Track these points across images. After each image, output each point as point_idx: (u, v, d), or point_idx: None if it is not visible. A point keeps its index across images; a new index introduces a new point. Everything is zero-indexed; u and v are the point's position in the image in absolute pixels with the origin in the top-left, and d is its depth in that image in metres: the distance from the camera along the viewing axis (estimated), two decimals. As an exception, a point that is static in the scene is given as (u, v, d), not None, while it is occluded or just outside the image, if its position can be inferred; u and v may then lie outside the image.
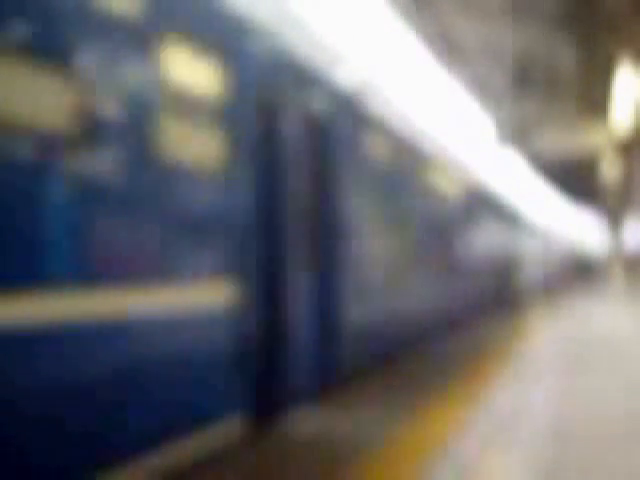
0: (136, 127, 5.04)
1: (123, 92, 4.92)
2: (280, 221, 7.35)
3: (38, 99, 4.12)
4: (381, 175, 10.96)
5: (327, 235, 8.75)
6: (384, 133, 11.32)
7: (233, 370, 6.16)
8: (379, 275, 10.78)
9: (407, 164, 12.56)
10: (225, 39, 6.31)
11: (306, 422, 7.19)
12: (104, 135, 4.70)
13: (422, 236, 13.44)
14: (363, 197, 10.07)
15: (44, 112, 4.17)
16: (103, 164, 4.70)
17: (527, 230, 30.61)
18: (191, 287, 5.60)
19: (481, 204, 19.93)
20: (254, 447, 6.23)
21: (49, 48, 4.22)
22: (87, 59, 4.57)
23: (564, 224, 61.20)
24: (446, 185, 15.27)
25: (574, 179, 48.45)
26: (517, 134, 32.54)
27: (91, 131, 4.56)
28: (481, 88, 28.38)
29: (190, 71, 5.72)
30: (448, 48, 23.90)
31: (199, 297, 5.69)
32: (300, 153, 7.92)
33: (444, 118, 26.19)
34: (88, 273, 4.50)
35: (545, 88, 27.99)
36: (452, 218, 15.86)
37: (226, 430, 6.03)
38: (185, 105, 5.63)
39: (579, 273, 65.98)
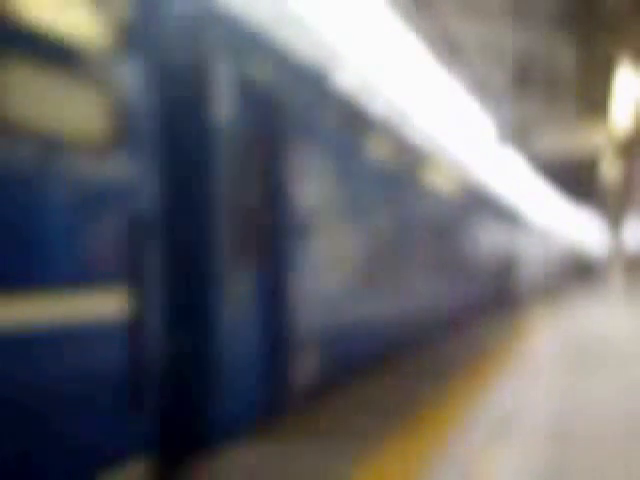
0: None
1: None
2: (206, 215, 6.03)
3: None
4: (353, 164, 9.64)
5: (279, 230, 7.41)
6: (358, 115, 9.96)
7: (124, 402, 4.67)
8: (351, 276, 9.48)
9: (389, 154, 11.35)
10: None
11: (231, 463, 5.74)
12: None
13: (408, 234, 12.51)
14: (328, 188, 8.74)
15: None
16: None
17: (527, 230, 30.59)
18: (63, 297, 4.19)
19: (479, 203, 19.90)
20: None
21: None
22: None
23: (564, 224, 61.18)
24: (438, 181, 15.17)
25: (574, 179, 48.42)
26: (517, 134, 32.52)
27: None
28: (481, 88, 28.37)
29: (53, 8, 4.17)
30: (448, 48, 23.89)
31: (72, 310, 4.24)
32: (238, 132, 6.55)
33: (443, 116, 26.20)
34: None
35: (545, 88, 27.98)
36: (446, 216, 15.69)
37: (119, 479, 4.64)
38: (44, 53, 4.10)
39: (579, 273, 65.95)
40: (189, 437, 5.85)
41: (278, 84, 7.39)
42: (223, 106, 6.28)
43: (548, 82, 27.06)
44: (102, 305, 4.52)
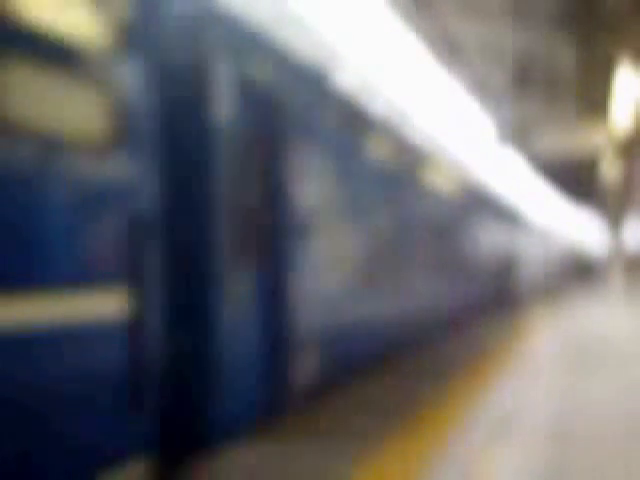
0: None
1: None
2: (206, 215, 6.00)
3: None
4: (352, 163, 9.58)
5: (279, 230, 7.37)
6: (358, 115, 9.94)
7: (124, 403, 4.67)
8: (351, 276, 9.43)
9: (389, 154, 11.31)
10: None
11: (231, 463, 5.71)
12: None
13: (407, 234, 12.39)
14: (328, 187, 8.69)
15: None
16: None
17: (527, 230, 30.60)
18: (63, 297, 4.17)
19: (479, 203, 19.90)
20: None
21: None
22: None
23: (564, 224, 61.19)
24: (438, 181, 15.17)
25: (574, 179, 48.43)
26: (517, 134, 32.53)
27: None
28: (481, 88, 28.37)
29: (52, 7, 4.14)
30: (448, 48, 23.90)
31: (72, 309, 4.23)
32: (238, 132, 6.52)
33: (443, 116, 26.21)
34: None
35: (545, 88, 27.99)
36: (446, 215, 15.65)
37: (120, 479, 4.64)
38: (44, 53, 4.08)
39: (579, 273, 65.97)
40: (189, 437, 5.82)
41: (278, 84, 7.35)
42: (223, 106, 6.25)
43: (548, 82, 27.06)
44: (102, 305, 4.50)
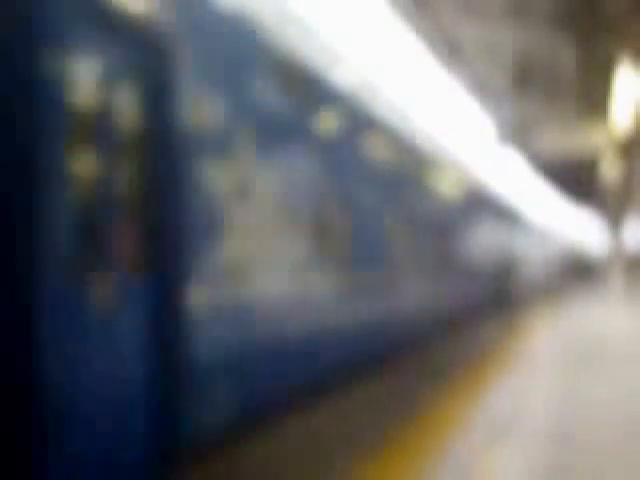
0: None
1: None
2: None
3: None
4: (292, 135, 7.29)
5: (167, 229, 5.18)
6: (292, 66, 7.33)
7: None
8: (285, 282, 7.03)
9: (346, 129, 8.97)
10: None
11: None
12: None
13: (373, 232, 10.15)
14: (246, 165, 6.35)
15: None
16: None
17: (527, 230, 30.62)
18: None
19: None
20: None
21: None
22: None
23: (564, 224, 61.21)
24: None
25: (574, 179, 48.46)
26: (517, 134, 32.55)
27: None
28: (481, 88, 28.40)
29: None
30: (448, 48, 23.92)
31: None
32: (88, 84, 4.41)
33: (443, 116, 26.25)
34: None
35: (545, 88, 28.00)
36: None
37: None
38: None
39: (579, 273, 66.00)
40: None
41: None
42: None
43: (548, 82, 27.08)
44: None
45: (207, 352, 5.48)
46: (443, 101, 26.52)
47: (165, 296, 5.08)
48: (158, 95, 5.09)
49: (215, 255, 5.82)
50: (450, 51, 24.35)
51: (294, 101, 7.54)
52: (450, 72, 25.89)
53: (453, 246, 16.28)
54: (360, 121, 9.72)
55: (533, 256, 32.84)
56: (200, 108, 5.65)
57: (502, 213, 23.94)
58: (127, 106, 4.80)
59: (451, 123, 27.30)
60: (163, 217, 5.15)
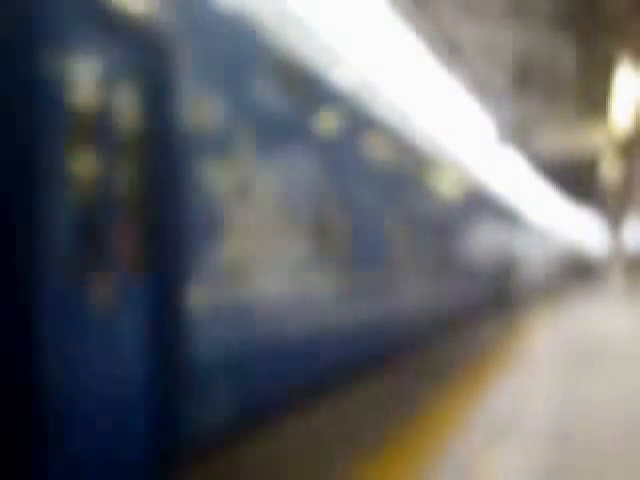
0: None
1: None
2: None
3: None
4: (292, 135, 7.37)
5: (168, 229, 5.21)
6: (287, 65, 7.35)
7: None
8: (285, 282, 7.05)
9: (346, 129, 9.01)
10: None
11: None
12: None
13: (373, 232, 10.07)
14: (246, 165, 6.38)
15: None
16: None
17: (527, 230, 30.63)
18: None
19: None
20: None
21: None
22: None
23: (564, 224, 61.22)
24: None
25: (574, 179, 48.48)
26: (517, 134, 32.56)
27: None
28: (481, 88, 28.40)
29: None
30: (448, 48, 23.93)
31: None
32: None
33: (442, 116, 26.25)
34: None
35: (545, 88, 28.01)
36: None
37: None
38: None
39: (579, 273, 66.02)
40: None
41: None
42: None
43: (548, 82, 27.08)
44: None
45: (207, 352, 5.49)
46: (443, 101, 26.55)
47: (165, 296, 5.08)
48: (158, 95, 5.08)
49: (215, 255, 5.82)
50: (450, 51, 24.36)
51: (294, 101, 7.58)
52: (450, 72, 25.91)
53: (453, 246, 16.27)
54: (360, 121, 9.79)
55: (533, 256, 32.84)
56: (200, 108, 5.65)
57: (502, 213, 23.95)
58: (127, 106, 4.79)
59: (451, 123, 27.34)
60: (163, 217, 5.13)
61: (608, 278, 49.56)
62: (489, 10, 21.30)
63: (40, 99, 4.11)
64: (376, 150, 10.24)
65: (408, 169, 12.40)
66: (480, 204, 19.87)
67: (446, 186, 15.87)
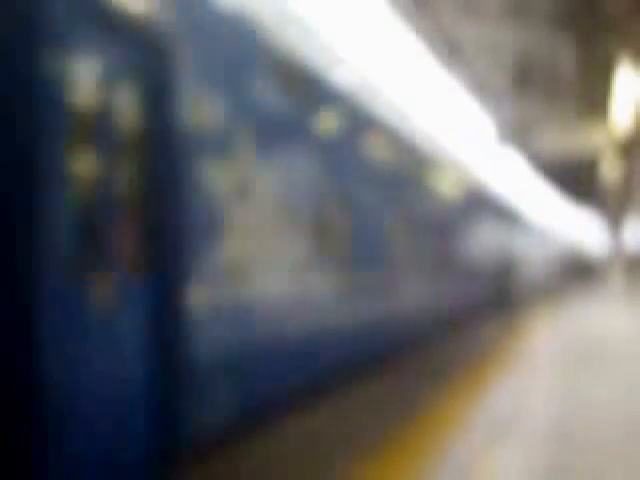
0: None
1: None
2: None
3: None
4: (292, 135, 7.26)
5: (168, 230, 5.12)
6: (282, 63, 7.14)
7: None
8: (285, 282, 6.96)
9: (346, 129, 8.89)
10: None
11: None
12: None
13: (373, 232, 9.84)
14: (246, 165, 6.29)
15: None
16: None
17: (527, 230, 30.63)
18: None
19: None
20: None
21: None
22: None
23: (564, 224, 61.22)
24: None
25: (574, 179, 48.47)
26: (517, 134, 32.56)
27: None
28: (481, 88, 28.40)
29: None
30: (448, 48, 23.93)
31: None
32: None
33: (442, 116, 26.25)
34: None
35: (545, 88, 28.01)
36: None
37: None
38: None
39: (579, 273, 66.02)
40: None
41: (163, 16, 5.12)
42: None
43: (548, 82, 27.08)
44: None
45: (207, 352, 5.44)
46: (443, 101, 26.55)
47: (165, 296, 5.03)
48: (158, 95, 5.04)
49: (215, 255, 5.76)
50: (450, 51, 24.35)
51: (294, 101, 7.53)
52: (450, 72, 25.90)
53: (453, 246, 16.28)
54: (360, 121, 9.83)
55: (533, 256, 32.84)
56: (200, 108, 5.61)
57: (502, 213, 23.95)
58: (127, 106, 4.75)
59: (451, 123, 27.32)
60: (163, 217, 5.08)
61: (608, 278, 49.56)
62: (489, 10, 21.30)
63: (40, 99, 4.07)
64: (376, 150, 10.30)
65: (408, 169, 12.43)
66: (480, 204, 19.87)
67: (446, 186, 15.86)
